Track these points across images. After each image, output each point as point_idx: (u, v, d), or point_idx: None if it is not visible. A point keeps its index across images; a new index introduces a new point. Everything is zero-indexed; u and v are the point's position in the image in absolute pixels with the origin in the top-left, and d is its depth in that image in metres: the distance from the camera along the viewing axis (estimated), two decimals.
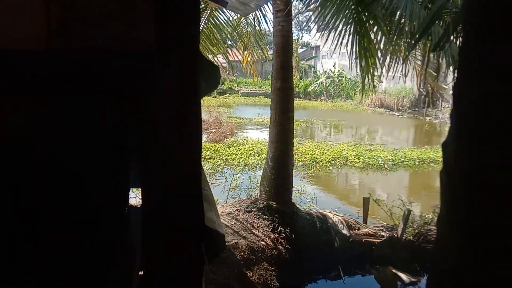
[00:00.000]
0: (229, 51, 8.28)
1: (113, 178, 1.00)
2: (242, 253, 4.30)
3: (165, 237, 0.98)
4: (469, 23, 0.74)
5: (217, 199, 6.94)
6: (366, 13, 4.53)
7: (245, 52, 8.09)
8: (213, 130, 13.70)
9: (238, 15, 6.83)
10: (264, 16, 6.86)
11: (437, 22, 3.73)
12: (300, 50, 33.66)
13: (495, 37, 0.71)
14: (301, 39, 31.18)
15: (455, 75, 0.78)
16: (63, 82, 0.86)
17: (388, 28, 4.70)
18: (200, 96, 0.95)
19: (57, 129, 0.89)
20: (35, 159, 0.86)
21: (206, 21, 6.98)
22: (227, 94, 29.43)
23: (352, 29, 4.53)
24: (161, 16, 0.89)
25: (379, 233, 5.59)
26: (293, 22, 10.31)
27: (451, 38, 3.37)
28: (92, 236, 0.99)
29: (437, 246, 0.89)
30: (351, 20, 4.51)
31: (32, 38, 0.78)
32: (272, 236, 4.90)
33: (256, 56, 8.47)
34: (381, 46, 4.86)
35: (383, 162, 10.61)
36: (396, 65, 5.19)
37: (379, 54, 4.80)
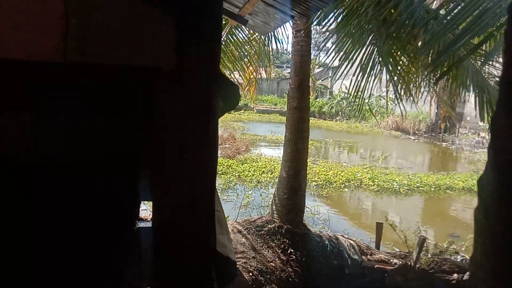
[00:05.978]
0: (246, 68, 8.26)
1: (124, 192, 0.98)
2: (251, 274, 4.20)
3: (174, 258, 0.94)
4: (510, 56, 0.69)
5: (228, 216, 6.86)
6: (387, 37, 4.50)
7: (250, 69, 8.01)
8: (227, 146, 13.67)
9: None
10: (275, 37, 6.91)
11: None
12: (316, 70, 33.69)
13: None
14: (318, 59, 31.08)
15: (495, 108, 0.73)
16: (79, 96, 0.85)
17: (407, 52, 4.65)
18: (218, 117, 0.92)
19: (68, 140, 0.87)
20: (40, 171, 0.84)
21: (225, 38, 7.06)
22: (242, 110, 29.54)
23: (372, 53, 4.49)
24: (181, 35, 0.87)
25: (392, 260, 5.42)
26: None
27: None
28: (100, 249, 0.96)
29: None
30: (371, 45, 4.49)
31: (50, 51, 0.76)
32: (282, 257, 4.79)
33: (259, 74, 8.37)
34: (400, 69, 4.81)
35: (398, 187, 10.40)
36: (413, 89, 5.12)
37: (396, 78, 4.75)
